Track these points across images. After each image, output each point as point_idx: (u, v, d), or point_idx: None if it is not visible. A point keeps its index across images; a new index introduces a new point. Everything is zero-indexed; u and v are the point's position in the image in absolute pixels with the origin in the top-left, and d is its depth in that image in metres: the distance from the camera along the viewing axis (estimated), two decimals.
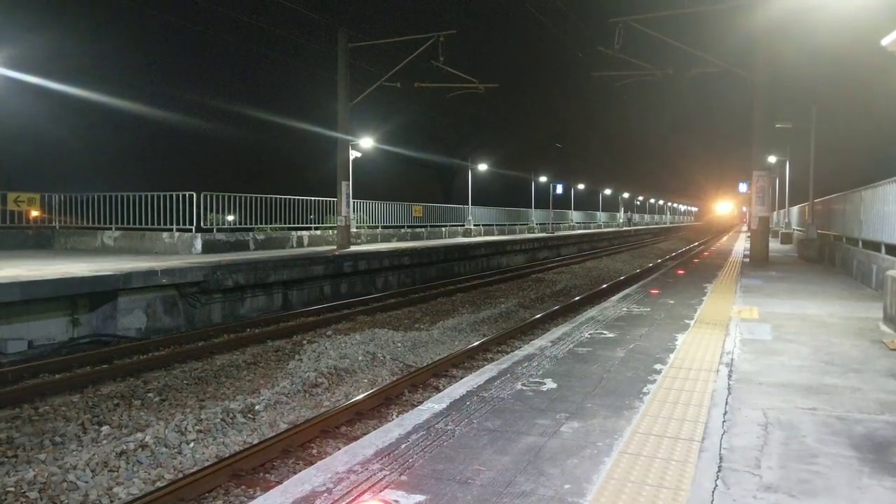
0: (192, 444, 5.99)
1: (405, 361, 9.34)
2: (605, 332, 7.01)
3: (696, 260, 19.82)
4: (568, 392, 4.61)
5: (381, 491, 2.98)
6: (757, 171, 15.85)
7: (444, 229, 28.68)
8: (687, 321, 7.66)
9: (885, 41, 6.32)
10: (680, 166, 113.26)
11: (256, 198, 18.00)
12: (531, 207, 41.57)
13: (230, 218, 17.92)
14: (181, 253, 15.37)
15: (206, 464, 5.53)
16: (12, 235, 16.70)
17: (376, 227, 23.74)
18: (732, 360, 5.60)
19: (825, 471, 3.23)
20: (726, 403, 4.32)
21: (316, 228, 20.27)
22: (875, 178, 10.92)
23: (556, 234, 39.13)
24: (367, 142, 20.07)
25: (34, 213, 17.66)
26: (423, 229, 26.69)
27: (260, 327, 11.86)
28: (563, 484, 3.04)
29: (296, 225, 19.51)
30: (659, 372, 5.19)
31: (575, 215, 53.39)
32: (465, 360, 9.23)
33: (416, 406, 4.54)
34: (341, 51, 18.62)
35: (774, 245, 25.41)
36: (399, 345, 10.19)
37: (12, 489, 4.96)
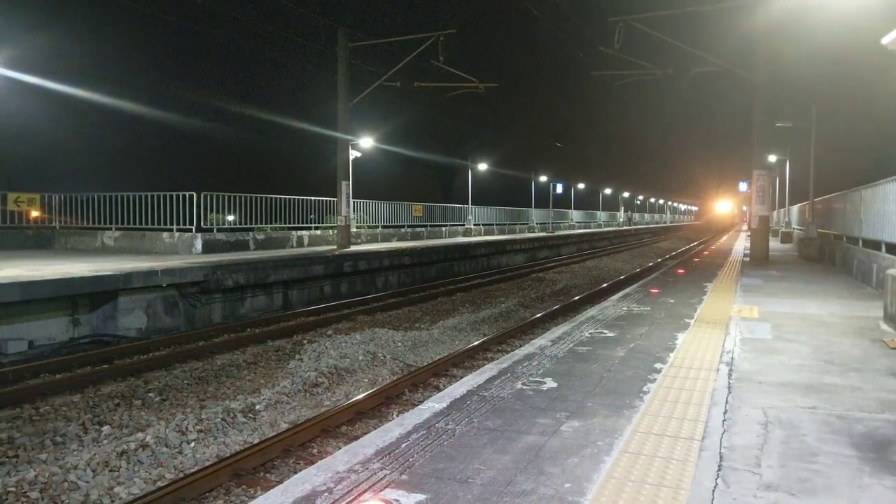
0: (192, 444, 5.99)
1: (405, 361, 9.35)
2: (605, 331, 7.01)
3: (696, 259, 19.82)
4: (568, 391, 4.62)
5: (381, 490, 2.98)
6: (757, 171, 15.85)
7: (444, 229, 28.68)
8: (687, 320, 7.66)
9: (885, 40, 6.32)
10: (680, 166, 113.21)
11: (256, 198, 18.00)
12: (531, 207, 41.55)
13: (230, 218, 17.92)
14: (181, 253, 15.37)
15: (207, 463, 5.53)
16: (12, 236, 16.70)
17: (376, 227, 23.74)
18: (733, 359, 5.61)
19: (825, 469, 3.23)
20: (726, 402, 4.32)
21: (316, 228, 20.27)
22: (875, 178, 10.92)
23: (556, 233, 39.13)
24: (367, 141, 20.07)
25: (34, 214, 17.66)
26: (423, 229, 26.69)
27: (260, 327, 11.86)
28: (563, 483, 3.05)
29: (296, 225, 19.51)
30: (659, 371, 5.19)
31: (575, 215, 53.38)
32: (466, 360, 9.23)
33: (417, 405, 4.54)
34: (341, 50, 18.62)
35: (774, 244, 25.41)
36: (399, 344, 10.20)
37: (13, 489, 4.97)
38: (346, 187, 18.78)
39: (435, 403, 4.33)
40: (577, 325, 7.39)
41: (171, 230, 15.96)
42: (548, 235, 35.84)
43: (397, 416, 6.58)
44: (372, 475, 3.15)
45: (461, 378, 5.79)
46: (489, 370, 5.26)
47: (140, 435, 6.05)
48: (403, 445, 3.55)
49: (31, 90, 19.38)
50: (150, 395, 7.69)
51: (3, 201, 16.50)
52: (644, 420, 3.97)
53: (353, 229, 20.56)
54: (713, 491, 2.96)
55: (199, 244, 15.58)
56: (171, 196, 15.88)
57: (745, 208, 71.50)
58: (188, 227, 15.83)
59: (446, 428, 3.84)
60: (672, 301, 9.42)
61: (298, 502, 2.88)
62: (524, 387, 4.74)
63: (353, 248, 18.65)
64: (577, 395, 4.51)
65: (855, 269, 12.52)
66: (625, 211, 72.92)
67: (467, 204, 32.64)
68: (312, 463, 4.80)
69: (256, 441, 6.03)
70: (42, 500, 4.91)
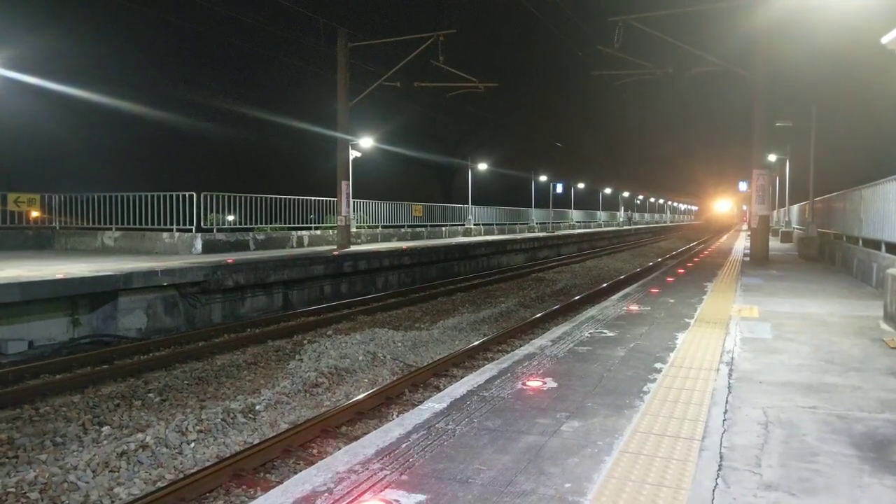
0: (192, 444, 5.99)
1: (405, 361, 9.34)
2: (605, 331, 7.01)
3: (696, 259, 19.82)
4: (568, 391, 4.62)
5: (381, 490, 2.98)
6: (757, 170, 15.84)
7: (444, 229, 28.68)
8: (687, 320, 7.66)
9: (884, 39, 6.32)
10: (680, 165, 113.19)
11: (256, 198, 18.01)
12: (531, 207, 41.56)
13: (230, 218, 17.93)
14: (181, 253, 15.37)
15: (207, 464, 5.53)
16: (12, 236, 16.70)
17: (376, 227, 23.74)
18: (733, 358, 5.60)
19: (826, 469, 3.23)
20: (726, 402, 4.32)
21: (316, 228, 20.27)
22: (875, 177, 10.92)
23: (556, 233, 39.13)
24: (366, 141, 20.08)
25: (34, 214, 17.66)
26: (423, 229, 26.69)
27: (260, 327, 11.86)
28: (563, 483, 3.05)
29: (296, 225, 19.52)
30: (659, 371, 5.19)
31: (575, 214, 53.39)
32: (466, 360, 9.23)
33: (417, 405, 4.54)
34: (341, 50, 18.61)
35: (775, 244, 25.41)
36: (399, 344, 10.20)
37: (13, 490, 4.97)
38: (346, 187, 18.78)
39: (435, 403, 4.33)
40: (577, 325, 7.39)
41: (171, 230, 15.97)
42: (548, 235, 35.84)
43: (397, 416, 6.58)
44: (372, 475, 3.15)
45: (461, 378, 5.79)
46: (489, 370, 5.26)
47: (140, 435, 6.05)
48: (403, 445, 3.55)
49: (31, 90, 19.38)
50: (150, 395, 7.69)
51: (3, 202, 16.51)
52: (644, 420, 3.96)
53: (353, 229, 20.56)
54: (713, 491, 2.96)
55: (199, 244, 15.58)
56: (171, 196, 15.88)
57: (745, 208, 71.51)
58: (188, 227, 15.83)
59: (446, 428, 3.84)
60: (672, 301, 9.42)
61: (298, 502, 2.87)
62: (524, 387, 4.74)
63: (353, 248, 18.65)
64: (578, 395, 4.50)
65: (855, 269, 12.52)
66: (625, 210, 72.92)
67: (467, 204, 32.64)
68: (312, 463, 4.79)
69: (256, 441, 6.02)
70: (42, 501, 4.91)
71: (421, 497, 2.91)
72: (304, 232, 19.52)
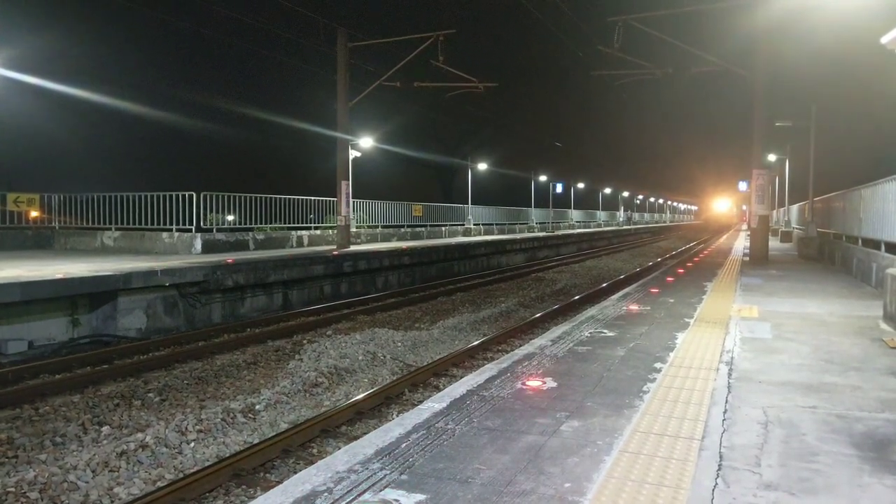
0: (192, 444, 5.99)
1: (405, 361, 9.34)
2: (605, 330, 7.01)
3: (695, 259, 19.81)
4: (568, 391, 4.61)
5: (381, 490, 2.98)
6: (757, 170, 15.84)
7: (443, 229, 28.68)
8: (687, 320, 7.66)
9: (884, 39, 6.32)
10: (679, 165, 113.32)
11: (256, 198, 18.00)
12: (531, 206, 41.57)
13: (230, 218, 17.92)
14: (181, 253, 15.37)
15: (207, 464, 5.53)
16: (12, 236, 16.70)
17: (376, 227, 23.74)
18: (732, 358, 5.60)
19: (825, 469, 3.23)
20: (726, 402, 4.32)
21: (316, 228, 20.27)
22: (875, 177, 10.92)
23: (555, 233, 39.12)
24: (366, 141, 20.08)
25: (34, 214, 17.66)
26: (423, 229, 26.69)
27: (260, 327, 11.86)
28: (563, 483, 3.05)
29: (296, 225, 19.51)
30: (659, 370, 5.19)
31: (575, 214, 53.39)
32: (466, 360, 9.23)
33: (417, 405, 4.54)
34: (341, 50, 18.61)
35: (774, 243, 25.41)
36: (399, 344, 10.20)
37: (13, 489, 4.97)
38: (346, 187, 18.77)
39: (435, 403, 4.33)
40: (576, 325, 7.39)
41: (170, 230, 15.96)
42: (547, 235, 35.84)
43: (397, 415, 6.58)
44: (372, 475, 3.15)
45: (461, 378, 5.79)
46: (489, 370, 5.26)
47: (140, 435, 6.04)
48: (403, 445, 3.55)
49: (31, 90, 19.38)
50: (150, 395, 7.69)
51: (2, 201, 16.50)
52: (644, 419, 3.96)
53: (353, 229, 20.56)
54: (713, 490, 2.96)
55: (198, 244, 15.58)
56: (171, 196, 15.88)
57: (744, 207, 71.49)
58: (188, 227, 15.83)
59: (446, 428, 3.84)
60: (672, 300, 9.42)
61: (298, 502, 2.87)
62: (524, 387, 4.74)
63: (353, 247, 18.65)
64: (577, 395, 4.50)
65: (854, 269, 12.52)
66: (624, 210, 72.93)
67: (467, 204, 32.64)
68: (312, 463, 4.79)
69: (256, 441, 6.02)
70: (41, 501, 4.91)
71: (421, 497, 2.91)
72: (303, 232, 19.51)
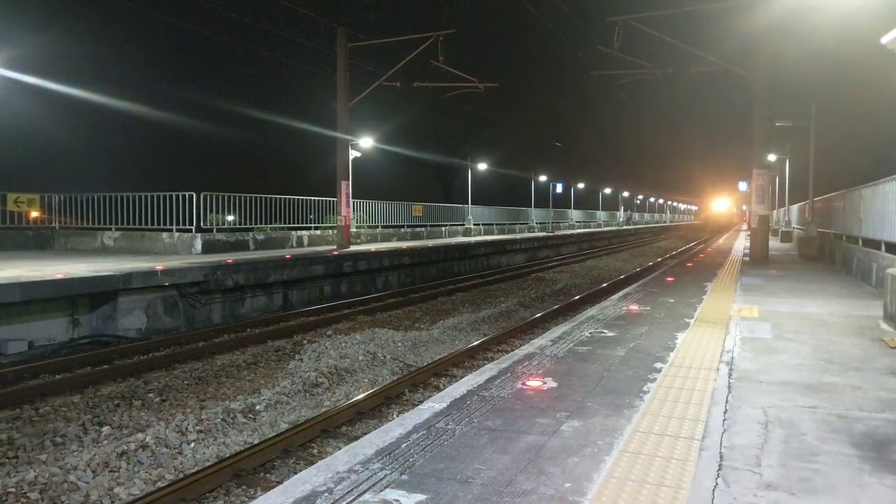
0: (192, 445, 5.99)
1: (405, 361, 9.34)
2: (605, 330, 7.01)
3: (695, 259, 19.82)
4: (568, 391, 4.62)
5: (381, 490, 2.98)
6: (757, 170, 15.84)
7: (444, 229, 28.68)
8: (687, 320, 7.66)
9: (884, 39, 6.32)
10: (679, 165, 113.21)
11: (256, 198, 18.00)
12: (531, 207, 41.56)
13: (230, 218, 17.93)
14: (181, 253, 15.37)
15: (207, 464, 5.53)
16: (12, 236, 16.70)
17: (376, 227, 23.74)
18: (733, 358, 5.60)
19: (826, 469, 3.23)
20: (726, 402, 4.32)
21: (316, 228, 20.27)
22: (875, 177, 10.93)
23: (555, 233, 39.12)
24: (366, 141, 20.07)
25: (34, 214, 17.65)
26: (423, 229, 26.69)
27: (260, 327, 11.86)
28: (563, 483, 3.05)
29: (296, 225, 19.52)
30: (659, 370, 5.19)
31: (575, 214, 53.39)
32: (466, 360, 9.23)
33: (417, 405, 4.54)
34: (341, 50, 18.61)
35: (774, 243, 25.41)
36: (399, 344, 10.19)
37: (13, 490, 4.97)
38: (346, 187, 18.77)
39: (435, 403, 4.33)
40: (577, 325, 7.39)
41: (170, 230, 15.96)
42: (547, 235, 35.83)
43: (397, 416, 6.58)
44: (372, 475, 3.15)
45: (461, 378, 5.79)
46: (489, 370, 5.26)
47: (140, 435, 6.05)
48: (403, 445, 3.55)
49: (31, 90, 19.38)
50: (150, 395, 7.69)
51: (2, 202, 16.50)
52: (644, 419, 3.96)
53: (353, 229, 20.56)
54: (713, 490, 2.96)
55: (198, 244, 15.58)
56: (171, 196, 15.88)
57: (744, 207, 71.49)
58: (188, 227, 15.83)
59: (446, 428, 3.84)
60: (672, 300, 9.42)
61: (299, 502, 2.87)
62: (524, 387, 4.74)
63: (353, 248, 18.65)
64: (578, 395, 4.50)
65: (854, 269, 12.52)
66: (624, 210, 72.92)
67: (467, 204, 32.64)
68: (312, 463, 4.79)
69: (256, 441, 6.02)
70: (42, 501, 4.91)
71: (421, 497, 2.91)
72: (303, 232, 19.52)
